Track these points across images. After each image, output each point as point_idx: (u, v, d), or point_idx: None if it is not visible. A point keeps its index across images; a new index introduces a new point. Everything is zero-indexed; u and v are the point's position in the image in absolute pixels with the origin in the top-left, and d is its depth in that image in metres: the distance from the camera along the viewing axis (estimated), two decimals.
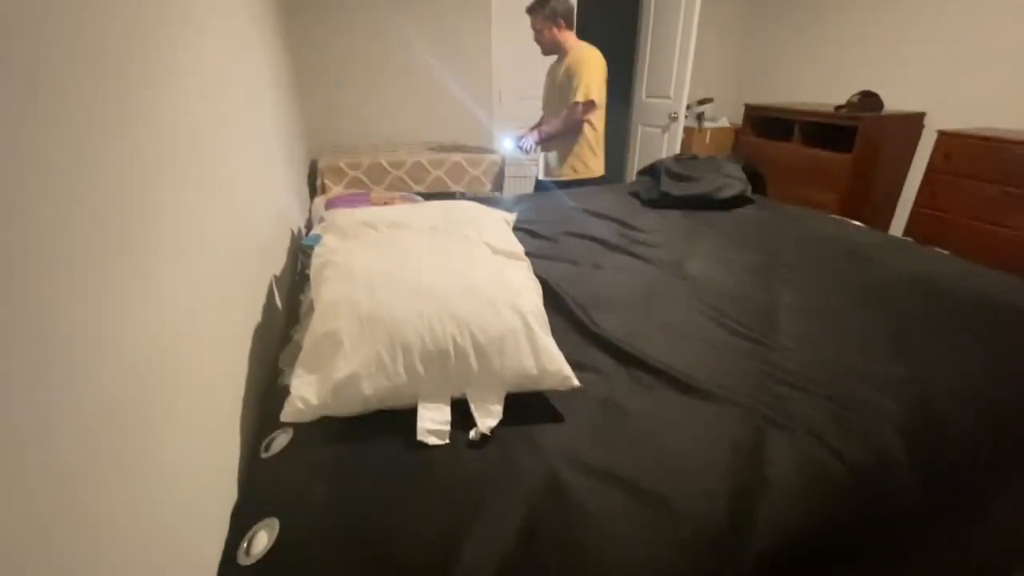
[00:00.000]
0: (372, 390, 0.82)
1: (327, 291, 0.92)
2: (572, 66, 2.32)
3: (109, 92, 0.56)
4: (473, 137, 3.31)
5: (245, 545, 0.67)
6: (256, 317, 1.11)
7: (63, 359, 0.42)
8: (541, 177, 2.70)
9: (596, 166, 2.50)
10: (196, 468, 0.68)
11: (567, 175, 2.49)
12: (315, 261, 1.02)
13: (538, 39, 2.37)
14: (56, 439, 0.41)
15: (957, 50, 2.76)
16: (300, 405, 0.80)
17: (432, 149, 3.09)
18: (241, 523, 0.71)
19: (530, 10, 2.31)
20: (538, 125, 2.56)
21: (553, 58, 2.47)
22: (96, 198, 0.51)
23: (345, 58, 3.17)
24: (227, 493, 0.78)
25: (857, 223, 1.98)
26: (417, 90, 3.36)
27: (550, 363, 0.87)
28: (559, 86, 2.38)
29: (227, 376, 0.87)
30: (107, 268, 0.51)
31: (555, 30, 2.33)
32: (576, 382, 0.87)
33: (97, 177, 0.51)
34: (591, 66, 2.31)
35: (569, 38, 2.37)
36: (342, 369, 0.81)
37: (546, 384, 0.88)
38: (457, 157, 2.95)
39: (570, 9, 2.35)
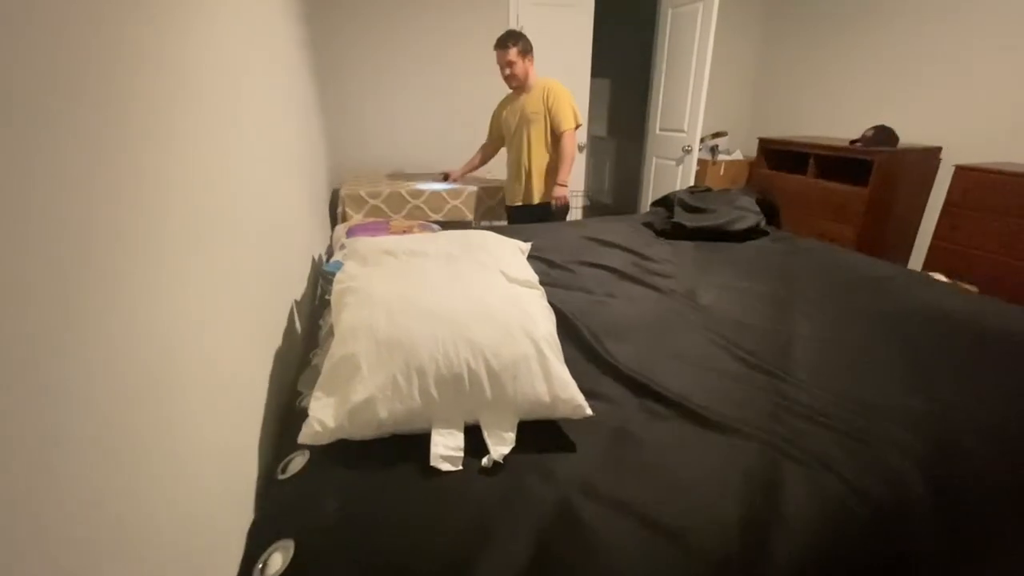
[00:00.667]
0: (387, 413, 0.83)
1: (347, 316, 0.95)
2: (549, 96, 2.44)
3: (146, 123, 0.61)
4: (489, 167, 3.39)
5: (260, 566, 0.68)
6: (277, 341, 1.15)
7: (83, 374, 0.45)
8: (511, 203, 2.78)
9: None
10: (214, 486, 0.70)
11: (542, 198, 2.61)
12: (336, 287, 1.05)
13: (513, 72, 2.44)
14: (75, 455, 0.43)
15: (973, 84, 2.77)
16: (317, 427, 0.82)
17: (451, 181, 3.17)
18: (257, 543, 0.72)
19: (504, 43, 2.39)
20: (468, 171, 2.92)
21: (496, 93, 2.66)
22: (123, 227, 0.54)
23: (368, 88, 3.31)
24: (244, 512, 0.79)
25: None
26: (439, 121, 3.48)
27: (563, 391, 0.88)
28: (528, 117, 2.48)
29: (248, 397, 0.90)
30: (133, 295, 0.54)
31: (527, 62, 2.46)
32: (589, 411, 0.88)
33: (125, 208, 0.55)
34: (567, 93, 2.48)
35: (534, 71, 2.50)
36: (359, 392, 0.83)
37: (559, 412, 0.89)
38: (474, 188, 3.02)
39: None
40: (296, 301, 1.43)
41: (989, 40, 2.68)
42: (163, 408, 0.57)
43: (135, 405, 0.51)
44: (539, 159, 2.55)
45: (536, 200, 2.61)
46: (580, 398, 0.88)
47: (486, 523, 0.73)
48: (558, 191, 2.53)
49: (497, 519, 0.74)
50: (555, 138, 2.51)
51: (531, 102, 2.48)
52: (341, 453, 0.85)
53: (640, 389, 1.05)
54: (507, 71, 2.46)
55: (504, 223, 2.96)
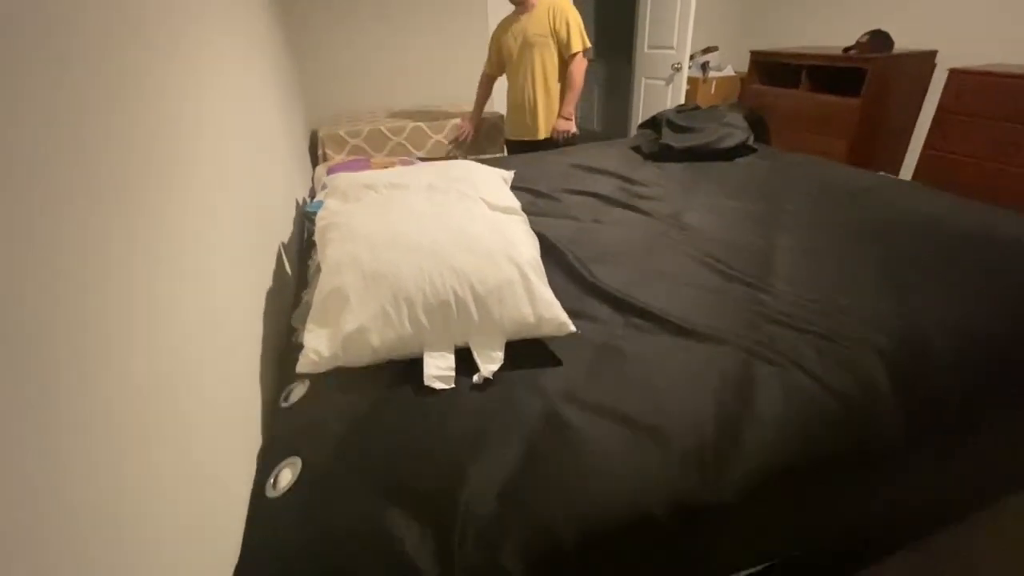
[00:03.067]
0: (380, 341, 0.87)
1: (331, 251, 0.96)
2: (556, 15, 2.24)
3: (111, 83, 0.59)
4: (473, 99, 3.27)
5: (272, 481, 0.74)
6: (268, 282, 1.17)
7: (113, 337, 0.47)
8: (512, 137, 2.60)
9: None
10: (224, 418, 0.75)
11: (548, 133, 2.45)
12: (319, 224, 1.06)
13: None
14: (105, 399, 0.46)
15: None
16: (313, 357, 0.86)
17: (432, 114, 3.07)
18: (266, 463, 0.78)
19: None
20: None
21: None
22: (107, 188, 0.55)
23: (340, 25, 3.12)
24: (253, 439, 0.85)
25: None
26: (416, 54, 3.31)
27: (547, 311, 0.91)
28: (531, 40, 2.28)
29: (244, 335, 0.93)
30: (125, 260, 0.55)
31: None
32: (572, 327, 0.92)
33: (105, 169, 0.55)
34: (574, 11, 2.27)
35: None
36: (350, 322, 0.87)
37: (544, 331, 0.93)
38: (457, 120, 2.93)
39: None
40: (283, 244, 1.43)
41: None
42: (165, 350, 0.59)
43: (142, 346, 0.53)
44: (545, 89, 2.35)
45: (542, 135, 2.43)
46: (563, 316, 0.92)
47: (479, 432, 0.79)
48: (562, 124, 2.37)
49: (489, 428, 0.79)
50: (562, 63, 2.32)
51: (535, 23, 2.27)
52: (340, 379, 0.89)
53: (624, 307, 1.08)
54: None
55: (494, 156, 2.89)
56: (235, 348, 0.87)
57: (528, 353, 0.93)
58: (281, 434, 0.84)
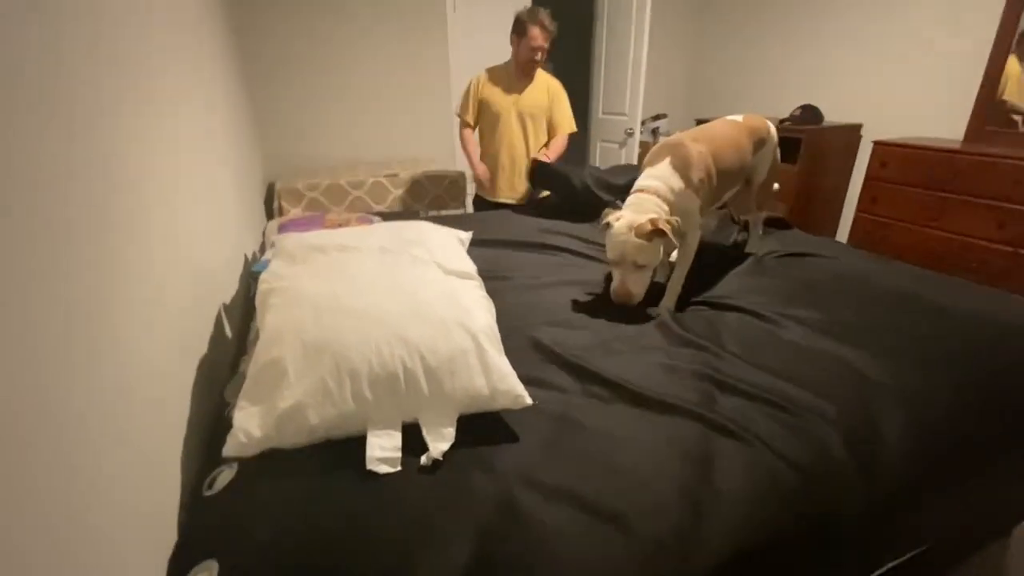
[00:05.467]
0: (319, 419, 0.80)
1: (271, 318, 0.90)
2: (555, 94, 2.38)
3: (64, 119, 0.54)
4: (435, 155, 3.32)
5: None
6: (202, 348, 1.08)
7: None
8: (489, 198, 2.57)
9: None
10: (130, 510, 0.65)
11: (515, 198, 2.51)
12: (261, 287, 0.99)
13: (542, 59, 2.28)
14: None
15: (888, 65, 2.94)
16: (243, 438, 0.78)
17: (392, 169, 3.08)
18: (179, 567, 0.68)
19: (548, 25, 2.20)
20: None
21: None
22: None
23: (301, 79, 3.14)
24: (166, 535, 0.74)
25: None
26: (377, 109, 3.36)
27: (501, 382, 0.87)
28: (528, 111, 2.35)
29: (166, 411, 0.83)
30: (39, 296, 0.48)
31: None
32: (529, 400, 0.87)
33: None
34: (565, 95, 2.41)
35: None
36: (287, 399, 0.79)
37: (498, 404, 0.88)
38: (418, 175, 2.95)
39: None
40: (225, 304, 1.34)
41: (900, 24, 2.84)
42: (64, 427, 0.51)
43: (33, 419, 0.45)
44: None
45: (525, 200, 2.49)
46: (520, 388, 0.88)
47: (426, 524, 0.71)
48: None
49: (438, 519, 0.72)
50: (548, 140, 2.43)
51: (534, 95, 2.34)
52: (272, 463, 0.80)
53: (584, 375, 1.05)
54: (539, 57, 2.24)
55: (455, 212, 2.90)
56: (157, 428, 0.77)
57: (481, 424, 0.88)
58: (199, 530, 0.73)
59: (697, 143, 1.38)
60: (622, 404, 0.97)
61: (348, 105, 3.29)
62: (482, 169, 2.47)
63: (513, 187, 2.50)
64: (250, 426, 0.78)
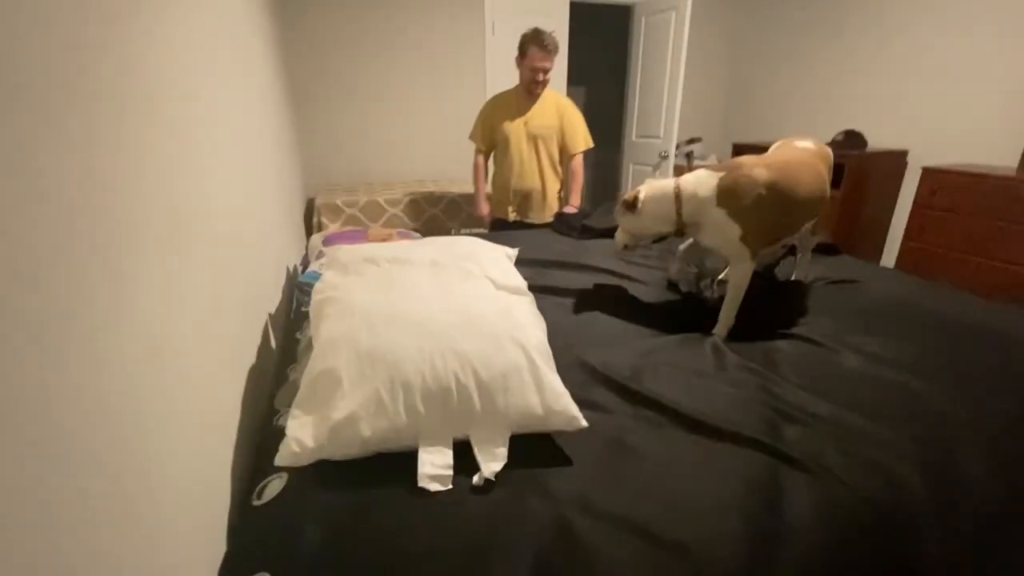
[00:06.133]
0: (371, 431, 0.78)
1: (326, 328, 0.90)
2: (565, 113, 2.33)
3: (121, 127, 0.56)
4: (469, 175, 3.35)
5: None
6: (251, 356, 1.08)
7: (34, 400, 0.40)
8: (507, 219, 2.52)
9: None
10: (182, 520, 0.64)
11: (546, 217, 2.47)
12: (315, 298, 1.00)
13: (545, 80, 2.25)
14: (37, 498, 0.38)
15: (935, 89, 2.87)
16: (295, 448, 0.77)
17: (427, 187, 3.13)
18: None
19: (551, 49, 2.19)
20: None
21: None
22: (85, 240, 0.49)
23: (342, 99, 3.25)
24: (216, 546, 0.73)
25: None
26: (413, 129, 3.44)
27: (556, 402, 0.84)
28: (538, 132, 2.32)
29: (219, 418, 0.83)
30: (92, 312, 0.49)
31: None
32: (584, 422, 0.85)
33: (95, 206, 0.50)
34: (579, 112, 2.38)
35: None
36: (340, 409, 0.78)
37: (552, 425, 0.85)
38: (452, 194, 2.98)
39: None
40: (271, 314, 1.36)
41: (950, 48, 2.78)
42: (121, 437, 0.51)
43: (91, 430, 0.45)
44: (551, 181, 2.41)
45: (547, 218, 2.44)
46: (574, 408, 0.85)
47: (481, 545, 0.69)
48: (570, 211, 2.37)
49: (493, 540, 0.69)
50: (561, 157, 2.41)
51: (543, 115, 2.31)
52: (322, 474, 0.79)
53: (633, 397, 1.02)
54: (540, 77, 2.22)
55: (483, 231, 2.91)
56: (208, 435, 0.77)
57: (532, 446, 0.85)
58: (250, 542, 0.72)
59: (758, 167, 1.29)
60: (676, 429, 0.93)
61: (385, 124, 3.39)
62: (485, 210, 2.51)
63: (528, 208, 2.46)
64: (303, 435, 0.77)
